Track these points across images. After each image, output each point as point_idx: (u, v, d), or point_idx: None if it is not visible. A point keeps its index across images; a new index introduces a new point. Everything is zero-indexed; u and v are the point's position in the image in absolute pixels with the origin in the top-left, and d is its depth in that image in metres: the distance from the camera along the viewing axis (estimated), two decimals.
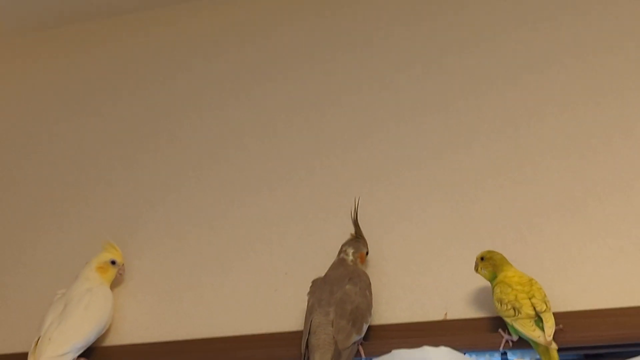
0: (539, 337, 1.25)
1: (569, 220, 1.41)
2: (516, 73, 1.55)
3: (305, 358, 1.37)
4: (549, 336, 1.24)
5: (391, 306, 1.45)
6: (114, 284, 1.62)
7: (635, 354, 1.24)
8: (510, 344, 1.31)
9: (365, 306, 1.38)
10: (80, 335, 1.51)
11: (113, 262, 1.60)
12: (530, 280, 1.32)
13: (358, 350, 1.38)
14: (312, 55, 1.72)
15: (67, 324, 1.51)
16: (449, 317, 1.40)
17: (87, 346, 1.53)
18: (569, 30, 1.54)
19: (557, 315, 1.28)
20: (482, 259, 1.36)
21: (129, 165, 1.77)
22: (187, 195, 1.69)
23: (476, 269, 1.37)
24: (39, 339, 1.52)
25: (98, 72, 1.89)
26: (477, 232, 1.45)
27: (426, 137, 1.56)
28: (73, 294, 1.56)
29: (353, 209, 1.47)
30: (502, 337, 1.31)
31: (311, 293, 1.42)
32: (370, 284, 1.41)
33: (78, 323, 1.52)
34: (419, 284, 1.45)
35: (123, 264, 1.62)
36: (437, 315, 1.41)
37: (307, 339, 1.37)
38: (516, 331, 1.28)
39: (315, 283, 1.44)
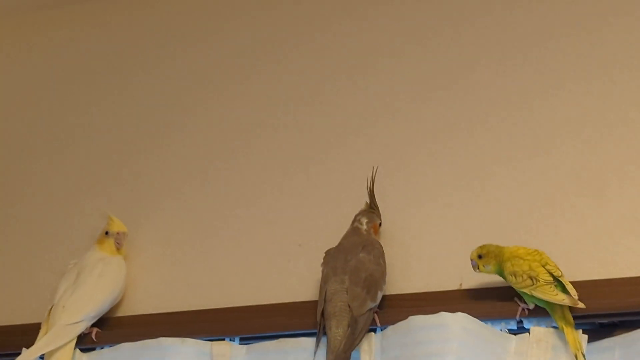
0: (563, 299, 1.25)
1: (584, 192, 1.41)
2: (530, 47, 1.54)
3: (321, 326, 1.37)
4: (575, 295, 1.25)
5: (406, 276, 1.45)
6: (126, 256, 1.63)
7: None
8: (527, 312, 1.32)
9: (379, 274, 1.39)
10: (94, 304, 1.51)
11: (107, 233, 1.59)
12: (537, 250, 1.33)
13: (374, 319, 1.38)
14: (325, 30, 1.72)
15: (80, 291, 1.52)
16: (464, 287, 1.41)
17: (101, 315, 1.54)
18: (585, 5, 1.55)
19: (572, 285, 1.28)
20: (479, 257, 1.34)
21: (142, 139, 1.78)
22: (201, 166, 1.70)
23: (476, 269, 1.35)
24: (52, 307, 1.52)
25: (104, 63, 1.89)
26: (493, 204, 1.45)
27: (444, 112, 1.56)
28: (86, 262, 1.57)
29: (370, 179, 1.48)
30: (519, 305, 1.32)
31: (325, 263, 1.43)
32: (383, 252, 1.42)
33: (91, 291, 1.52)
34: (433, 254, 1.46)
35: (119, 233, 1.60)
36: (452, 285, 1.41)
37: (323, 307, 1.37)
38: (535, 299, 1.29)
39: (329, 253, 1.44)
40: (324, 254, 1.44)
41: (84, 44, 1.92)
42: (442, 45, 1.62)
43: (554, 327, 1.30)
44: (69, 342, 1.50)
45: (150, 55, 1.85)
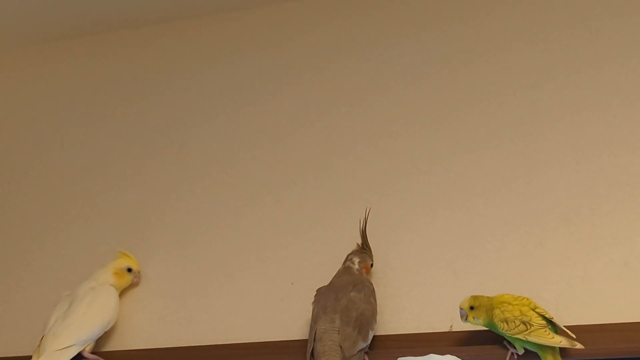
0: (560, 342, 1.26)
1: (575, 236, 1.42)
2: (526, 83, 1.56)
3: None
4: (573, 336, 1.26)
5: (397, 317, 1.46)
6: (122, 290, 1.63)
7: None
8: (516, 356, 1.32)
9: (370, 313, 1.39)
10: (84, 329, 1.52)
11: (129, 270, 1.62)
12: (522, 296, 1.32)
13: (364, 359, 1.38)
14: (321, 64, 1.73)
15: (70, 319, 1.52)
16: (455, 329, 1.41)
17: (92, 340, 1.53)
18: (576, 40, 1.55)
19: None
20: (471, 308, 1.34)
21: (137, 172, 1.78)
22: (194, 202, 1.71)
23: (464, 319, 1.34)
24: (42, 337, 1.52)
25: (109, 81, 1.90)
26: (484, 246, 1.46)
27: (434, 149, 1.58)
28: (77, 292, 1.58)
29: (362, 219, 1.49)
30: (508, 349, 1.32)
31: (316, 302, 1.43)
32: (374, 290, 1.42)
33: (81, 317, 1.53)
34: (425, 295, 1.46)
35: (139, 272, 1.63)
36: (443, 327, 1.42)
37: (313, 346, 1.37)
38: (529, 344, 1.29)
39: (320, 291, 1.44)
40: (315, 292, 1.44)
41: (92, 71, 1.94)
42: (432, 81, 1.63)
43: None
44: None
45: (152, 83, 1.87)
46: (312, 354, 1.37)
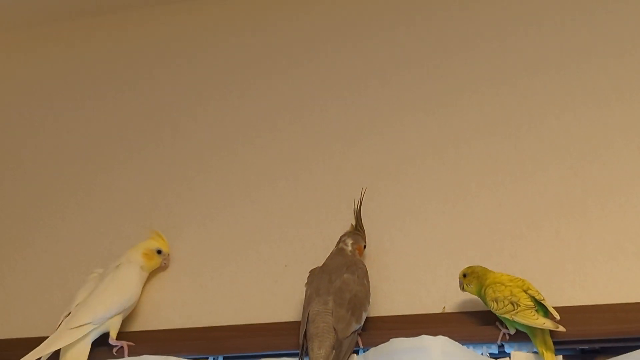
0: (544, 323, 1.26)
1: (567, 218, 1.42)
2: (519, 73, 1.56)
3: (304, 347, 1.37)
4: (557, 319, 1.26)
5: (390, 299, 1.46)
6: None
7: (631, 349, 1.25)
8: (507, 337, 1.32)
9: (363, 294, 1.39)
10: (100, 307, 1.49)
11: (159, 252, 1.60)
12: (520, 278, 1.33)
13: (357, 341, 1.38)
14: (317, 50, 1.74)
15: (90, 298, 1.51)
16: (448, 310, 1.41)
17: (109, 317, 1.50)
18: (572, 31, 1.56)
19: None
20: (464, 275, 1.36)
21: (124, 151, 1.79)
22: (187, 186, 1.71)
23: (462, 288, 1.37)
24: (68, 314, 1.51)
25: (117, 57, 1.91)
26: (477, 228, 1.47)
27: (429, 134, 1.58)
28: (105, 273, 1.57)
29: (357, 201, 1.49)
30: (500, 330, 1.33)
31: (309, 283, 1.43)
32: (367, 272, 1.42)
33: (101, 295, 1.51)
34: (418, 277, 1.46)
35: (169, 255, 1.62)
36: (435, 309, 1.42)
37: (306, 328, 1.37)
38: (517, 324, 1.29)
39: (313, 273, 1.44)
40: (308, 273, 1.44)
41: (97, 48, 1.94)
42: (430, 69, 1.64)
43: (535, 353, 1.30)
44: (80, 349, 1.48)
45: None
46: (305, 335, 1.37)
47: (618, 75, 1.50)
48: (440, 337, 1.30)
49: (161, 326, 1.57)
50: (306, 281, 1.44)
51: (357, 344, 1.38)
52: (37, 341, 1.48)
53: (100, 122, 1.85)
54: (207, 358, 1.49)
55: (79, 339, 1.47)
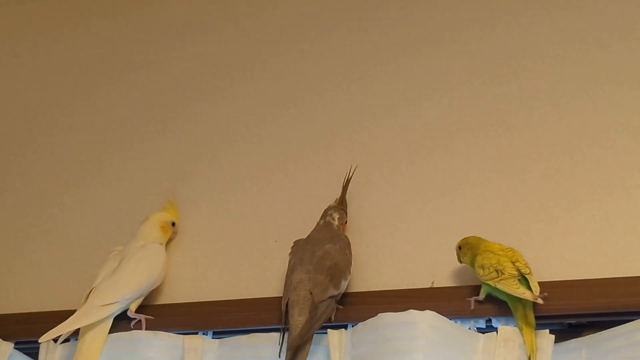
0: (523, 293, 1.26)
1: (555, 192, 1.42)
2: (512, 65, 1.55)
3: (286, 315, 1.37)
4: (537, 292, 1.26)
5: (378, 273, 1.46)
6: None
7: (618, 324, 1.25)
8: (473, 304, 1.33)
9: (344, 264, 1.39)
10: (129, 287, 1.49)
11: (173, 224, 1.60)
12: (512, 248, 1.34)
13: (336, 308, 1.38)
14: (321, 32, 1.74)
15: (117, 276, 1.50)
16: (436, 285, 1.41)
17: (136, 298, 1.51)
18: (562, 22, 1.55)
19: (541, 285, 1.28)
20: (459, 248, 1.37)
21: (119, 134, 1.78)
22: (178, 166, 1.71)
23: (459, 260, 1.38)
24: (90, 292, 1.51)
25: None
26: (465, 202, 1.47)
27: (421, 114, 1.57)
28: (128, 250, 1.56)
29: (347, 176, 1.50)
30: (476, 300, 1.33)
31: (293, 253, 1.44)
32: (349, 244, 1.43)
33: (128, 275, 1.50)
34: (406, 252, 1.46)
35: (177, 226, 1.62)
36: (423, 283, 1.42)
37: (288, 297, 1.37)
38: (498, 292, 1.30)
39: (297, 244, 1.45)
40: (293, 244, 1.44)
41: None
42: (423, 53, 1.63)
43: None
44: (103, 324, 1.48)
45: (134, 58, 1.88)
46: (287, 303, 1.37)
47: (609, 65, 1.49)
48: (428, 311, 1.30)
49: (151, 302, 1.57)
50: (290, 251, 1.44)
51: (338, 318, 1.38)
52: (63, 315, 1.49)
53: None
54: (197, 333, 1.49)
55: None
